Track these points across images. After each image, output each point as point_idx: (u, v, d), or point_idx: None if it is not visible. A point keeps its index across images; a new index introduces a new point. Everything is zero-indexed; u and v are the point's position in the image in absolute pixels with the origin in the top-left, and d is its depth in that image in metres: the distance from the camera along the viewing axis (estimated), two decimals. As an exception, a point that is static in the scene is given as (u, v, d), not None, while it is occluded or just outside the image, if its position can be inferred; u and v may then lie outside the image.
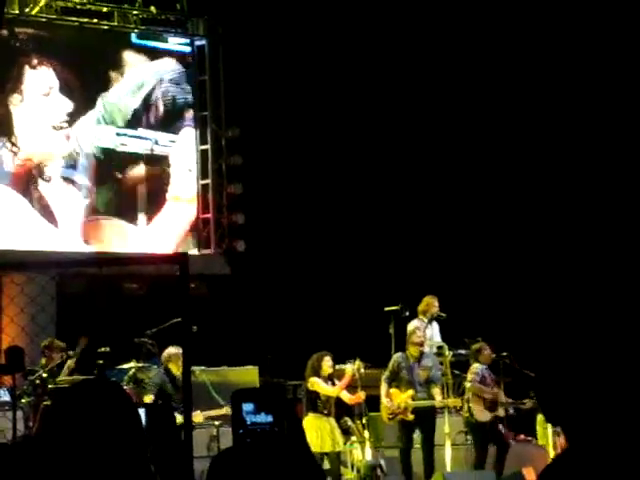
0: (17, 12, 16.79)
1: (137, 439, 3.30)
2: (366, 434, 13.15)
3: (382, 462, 13.11)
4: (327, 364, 12.79)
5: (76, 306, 15.68)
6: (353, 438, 13.63)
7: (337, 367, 13.14)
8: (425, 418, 13.02)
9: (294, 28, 17.75)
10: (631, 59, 17.17)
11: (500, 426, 13.40)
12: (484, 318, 15.50)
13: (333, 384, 12.85)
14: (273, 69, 17.89)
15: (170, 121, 18.07)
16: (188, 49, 18.49)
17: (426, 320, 14.32)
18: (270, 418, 4.10)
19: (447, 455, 13.19)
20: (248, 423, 4.11)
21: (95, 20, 17.56)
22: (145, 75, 17.81)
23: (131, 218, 17.52)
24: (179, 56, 18.38)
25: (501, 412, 13.37)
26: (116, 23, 17.70)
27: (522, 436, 14.51)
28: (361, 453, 13.35)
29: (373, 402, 13.33)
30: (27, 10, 16.89)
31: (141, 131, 17.72)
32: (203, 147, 18.37)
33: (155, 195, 17.86)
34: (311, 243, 17.72)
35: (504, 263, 17.70)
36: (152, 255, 15.46)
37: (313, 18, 17.77)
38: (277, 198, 17.87)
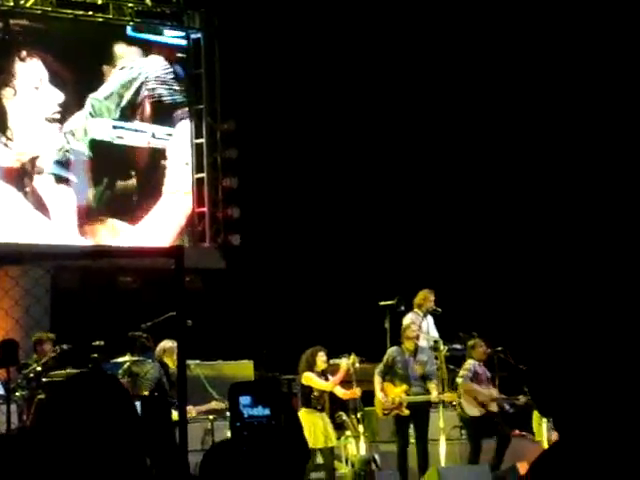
0: (12, 4, 16.74)
1: (133, 432, 3.28)
2: (360, 429, 13.13)
3: (376, 457, 13.10)
4: (321, 359, 12.77)
5: (70, 299, 15.65)
6: (347, 433, 13.62)
7: (332, 362, 13.12)
8: (420, 413, 13.02)
9: (290, 21, 17.72)
10: (631, 59, 17.15)
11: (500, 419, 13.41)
12: (479, 313, 15.50)
13: (327, 379, 12.83)
14: (269, 62, 17.86)
15: (160, 118, 18.00)
16: (184, 42, 18.44)
17: (422, 314, 14.31)
18: (267, 411, 4.07)
19: (442, 450, 13.19)
20: (245, 416, 4.09)
21: (90, 12, 17.51)
22: (132, 73, 17.73)
23: (126, 214, 17.47)
24: (168, 53, 18.27)
25: (493, 408, 13.37)
26: (111, 16, 17.65)
27: (517, 432, 14.51)
28: (355, 448, 13.33)
29: (368, 397, 13.33)
30: (22, 2, 16.84)
31: (137, 124, 17.67)
32: (198, 140, 18.33)
33: (151, 189, 17.81)
34: (306, 237, 17.70)
35: (499, 258, 17.70)
36: (148, 248, 15.41)
37: (309, 11, 17.74)
38: (272, 192, 17.84)
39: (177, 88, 18.23)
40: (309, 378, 12.67)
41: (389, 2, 18.06)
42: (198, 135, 18.32)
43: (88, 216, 17.09)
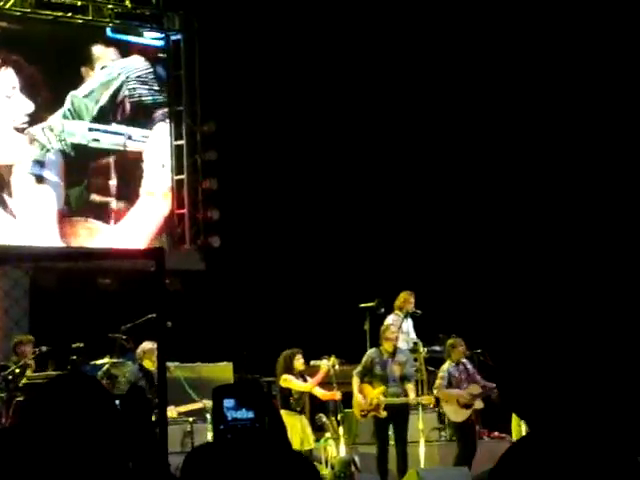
0: (-8, 6, 16.67)
1: (114, 433, 3.28)
2: (340, 430, 13.14)
3: (356, 458, 13.11)
4: (299, 361, 12.78)
5: (50, 300, 15.60)
6: (327, 434, 13.63)
7: (312, 363, 13.13)
8: (398, 415, 13.03)
9: (270, 22, 17.72)
10: (631, 59, 17.21)
11: (476, 425, 13.43)
12: (459, 315, 15.53)
13: (305, 381, 12.83)
14: (248, 64, 17.85)
15: (138, 120, 17.96)
16: (163, 44, 18.40)
17: (402, 316, 14.34)
18: (251, 414, 4.07)
19: (421, 452, 13.21)
20: (229, 419, 4.09)
21: (70, 14, 17.45)
22: (112, 73, 17.68)
23: (103, 215, 17.41)
24: (149, 53, 18.24)
25: (479, 404, 13.36)
26: (91, 17, 17.59)
27: (496, 433, 14.56)
28: (335, 449, 13.34)
29: (348, 399, 13.33)
30: (1, 4, 16.77)
31: (114, 126, 17.62)
32: (178, 142, 18.30)
33: (127, 191, 17.76)
34: (286, 239, 17.70)
35: (477, 260, 17.74)
36: (128, 250, 15.38)
37: (289, 12, 17.74)
38: (252, 194, 17.83)
39: (157, 88, 18.19)
40: (287, 380, 12.68)
41: (373, 2, 18.07)
42: (178, 137, 18.29)
43: (66, 216, 17.00)
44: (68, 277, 15.31)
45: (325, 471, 13.13)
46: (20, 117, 16.72)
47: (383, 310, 14.45)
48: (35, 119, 16.84)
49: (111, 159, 17.56)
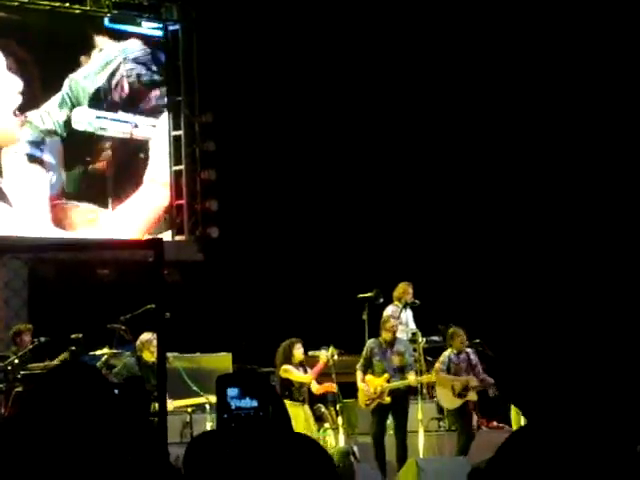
0: (-12, -5, 16.64)
1: (112, 423, 3.28)
2: (339, 421, 13.16)
3: (355, 449, 13.12)
4: (298, 351, 12.78)
5: (49, 291, 15.60)
6: (326, 425, 13.66)
7: (311, 354, 13.14)
8: (399, 403, 13.07)
9: (268, 12, 17.69)
10: (631, 59, 17.19)
11: (474, 415, 13.45)
12: (457, 305, 15.54)
13: (305, 371, 12.84)
14: (247, 54, 17.82)
15: (137, 101, 17.92)
16: (161, 34, 18.38)
17: (401, 306, 14.36)
18: (255, 403, 4.08)
19: (420, 441, 13.23)
20: (232, 408, 4.10)
21: (67, 4, 17.42)
22: (109, 55, 17.66)
23: (101, 201, 17.38)
24: (146, 39, 18.23)
25: (472, 396, 13.40)
26: (88, 7, 17.55)
27: (495, 423, 14.58)
28: (334, 440, 13.37)
29: (347, 389, 13.35)
30: (-2, -7, 16.75)
31: (121, 114, 17.61)
32: (176, 133, 18.28)
33: (130, 178, 17.73)
34: (285, 230, 17.69)
35: (476, 250, 17.74)
36: (127, 241, 15.39)
37: (287, 2, 17.71)
38: (251, 184, 17.82)
39: (155, 69, 18.17)
40: (287, 370, 12.68)
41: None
42: (176, 127, 18.27)
43: (62, 205, 16.95)
44: (67, 268, 15.31)
45: (324, 461, 13.13)
46: (13, 97, 16.66)
47: (382, 300, 14.46)
48: (31, 103, 16.79)
49: (110, 144, 17.51)
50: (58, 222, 16.83)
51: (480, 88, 17.89)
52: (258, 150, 17.85)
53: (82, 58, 17.40)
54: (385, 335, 13.22)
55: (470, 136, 18.13)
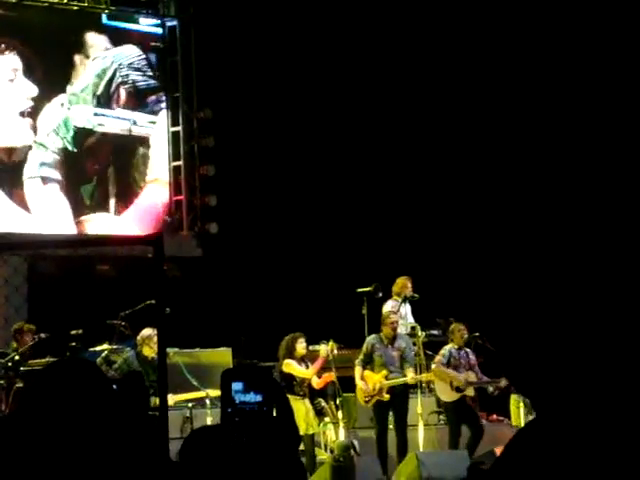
0: (-14, -7, 16.63)
1: (111, 418, 3.30)
2: (340, 415, 13.18)
3: (355, 443, 13.16)
4: (301, 345, 12.79)
5: (49, 287, 15.62)
6: (327, 419, 13.69)
7: (311, 348, 13.16)
8: (399, 398, 13.08)
9: (266, 7, 17.69)
10: (631, 59, 17.20)
11: (474, 407, 13.48)
12: (456, 299, 15.56)
13: (307, 365, 12.86)
14: (245, 49, 17.82)
15: (137, 103, 17.93)
16: (159, 30, 18.38)
17: (400, 300, 14.38)
18: (259, 398, 4.10)
19: (420, 435, 13.26)
20: (237, 402, 4.12)
21: (65, 0, 17.42)
22: (105, 62, 17.64)
23: (107, 206, 17.43)
24: (142, 41, 18.19)
25: (470, 392, 13.43)
26: (86, 4, 17.55)
27: (495, 416, 14.61)
28: (334, 434, 13.40)
29: (346, 383, 13.37)
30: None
31: (119, 111, 17.61)
32: (175, 129, 18.29)
33: (131, 178, 17.76)
34: (284, 225, 17.71)
35: (475, 243, 17.76)
36: (126, 236, 15.41)
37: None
38: (250, 180, 17.83)
39: (151, 74, 18.17)
40: (290, 365, 12.70)
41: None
42: (175, 123, 18.28)
43: (81, 213, 17.04)
44: (67, 264, 15.33)
45: (324, 455, 13.18)
46: (25, 101, 16.70)
47: (381, 295, 14.48)
48: (40, 103, 16.82)
49: (111, 149, 17.53)
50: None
51: (475, 85, 17.90)
52: (257, 145, 17.86)
53: (77, 57, 17.35)
54: (386, 331, 13.24)
55: (469, 127, 18.14)
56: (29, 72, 16.80)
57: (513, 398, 14.09)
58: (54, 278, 15.78)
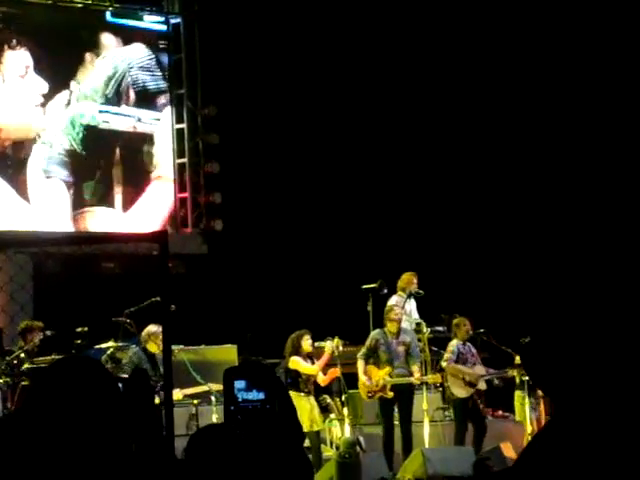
0: (-10, -10, 16.64)
1: (117, 416, 3.31)
2: (345, 411, 13.19)
3: (361, 439, 13.16)
4: (307, 342, 12.80)
5: (54, 285, 15.64)
6: (332, 415, 13.69)
7: (316, 345, 13.16)
8: (403, 394, 13.08)
9: (270, 4, 17.68)
10: (631, 59, 17.18)
11: (480, 404, 13.49)
12: (461, 295, 15.57)
13: (312, 362, 12.87)
14: (249, 46, 17.82)
15: (145, 103, 17.95)
16: (164, 27, 18.37)
17: (405, 296, 14.37)
18: (262, 395, 4.11)
19: (425, 431, 13.27)
20: (239, 400, 4.13)
21: (69, -2, 17.42)
22: (116, 62, 17.65)
23: (112, 201, 17.44)
24: (150, 40, 18.20)
25: (482, 386, 13.46)
26: (90, 1, 17.55)
27: (500, 412, 14.61)
28: (340, 430, 13.41)
29: (352, 379, 13.37)
30: (0, -12, 16.74)
31: (124, 108, 17.61)
32: (179, 126, 18.29)
33: (137, 176, 17.77)
34: (289, 221, 17.71)
35: (480, 239, 17.76)
36: (132, 234, 15.36)
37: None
38: (254, 177, 17.84)
39: (160, 74, 18.18)
40: (296, 362, 12.71)
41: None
42: (179, 120, 18.28)
43: (80, 208, 17.04)
44: (72, 261, 15.34)
45: (330, 452, 13.19)
46: (36, 97, 16.72)
47: (386, 291, 14.48)
48: (47, 100, 16.84)
49: (121, 143, 17.54)
50: (78, 229, 16.91)
51: (473, 83, 17.90)
52: (261, 142, 17.86)
53: (87, 55, 17.38)
54: (390, 326, 13.24)
55: (472, 124, 18.13)
56: (39, 68, 16.82)
57: (518, 394, 14.08)
58: (59, 276, 15.80)
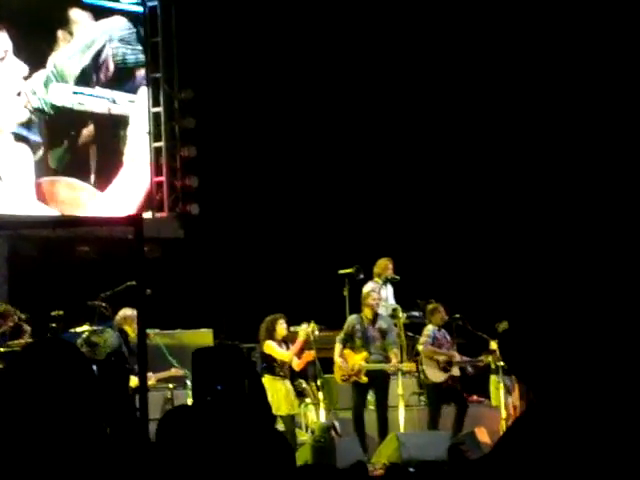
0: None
1: (91, 399, 3.30)
2: (320, 396, 13.21)
3: (336, 424, 13.19)
4: (281, 327, 12.81)
5: (29, 268, 15.56)
6: (307, 400, 13.71)
7: (292, 329, 13.18)
8: (378, 380, 13.12)
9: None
10: (631, 59, 17.20)
11: (459, 385, 13.57)
12: (436, 280, 15.61)
13: (287, 347, 12.88)
14: (227, 30, 17.76)
15: (122, 80, 17.83)
16: (140, 9, 18.25)
17: (381, 282, 14.40)
18: (231, 377, 4.11)
19: (401, 416, 13.31)
20: (209, 381, 4.13)
21: (45, -23, 17.27)
22: (94, 34, 17.52)
23: (85, 177, 17.31)
24: (130, 14, 18.11)
25: (456, 371, 13.53)
26: (66, -18, 17.42)
27: (475, 397, 14.67)
28: (315, 415, 13.43)
29: (327, 364, 13.40)
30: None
31: (98, 90, 17.49)
32: (155, 109, 18.20)
33: (111, 157, 17.66)
34: (265, 206, 17.70)
35: (457, 224, 17.80)
36: (107, 218, 15.36)
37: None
38: (231, 161, 17.80)
39: (140, 48, 18.06)
40: (270, 346, 12.72)
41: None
42: (155, 104, 18.19)
43: (48, 182, 16.86)
44: (47, 245, 15.26)
45: (305, 436, 13.21)
46: (16, 81, 16.57)
47: (362, 276, 14.49)
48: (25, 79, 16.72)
49: (93, 123, 17.42)
50: (42, 198, 16.73)
51: (462, 79, 17.92)
52: (238, 126, 17.82)
53: (60, 33, 17.24)
54: (366, 311, 13.27)
55: (446, 113, 18.15)
56: (18, 52, 16.68)
57: (493, 379, 14.15)
58: (34, 259, 15.72)
